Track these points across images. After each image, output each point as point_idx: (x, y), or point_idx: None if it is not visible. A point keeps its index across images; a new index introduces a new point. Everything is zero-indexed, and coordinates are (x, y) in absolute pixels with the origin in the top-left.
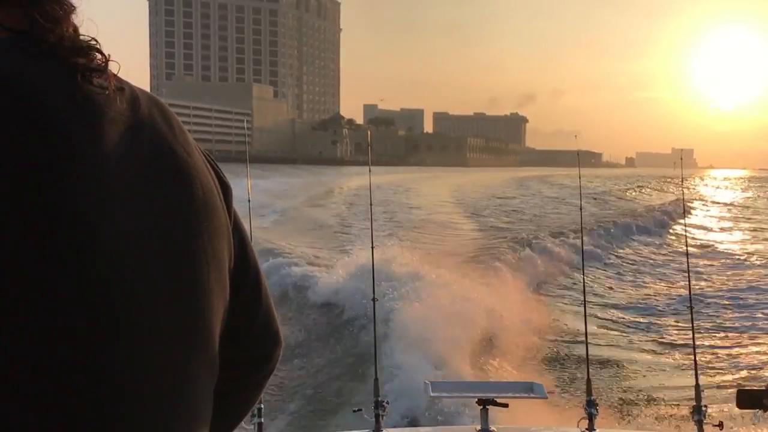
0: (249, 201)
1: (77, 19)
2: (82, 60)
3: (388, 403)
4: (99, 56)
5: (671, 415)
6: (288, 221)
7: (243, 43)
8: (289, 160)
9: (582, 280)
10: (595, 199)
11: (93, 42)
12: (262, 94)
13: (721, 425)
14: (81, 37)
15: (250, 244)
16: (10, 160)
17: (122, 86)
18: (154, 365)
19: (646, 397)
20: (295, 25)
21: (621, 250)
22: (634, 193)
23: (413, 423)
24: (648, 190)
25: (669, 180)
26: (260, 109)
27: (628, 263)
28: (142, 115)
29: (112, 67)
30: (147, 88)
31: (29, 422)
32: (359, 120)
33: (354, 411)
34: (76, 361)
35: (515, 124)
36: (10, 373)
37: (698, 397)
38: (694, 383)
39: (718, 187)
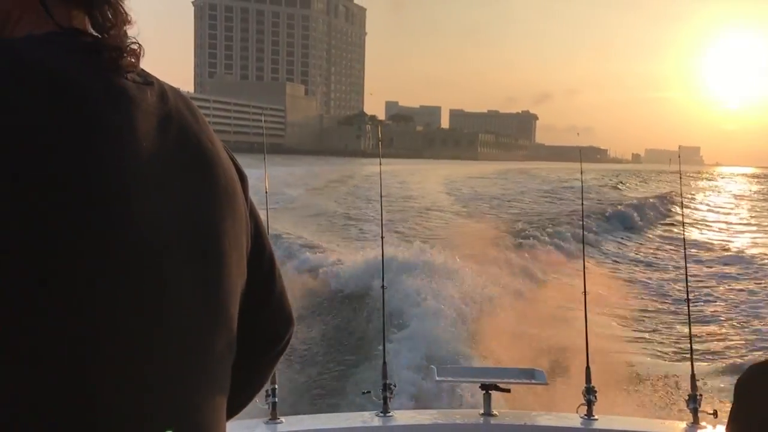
0: (266, 192)
1: (132, 26)
2: (118, 57)
3: (395, 386)
4: (133, 55)
5: (667, 404)
6: (305, 207)
7: (278, 45)
8: (317, 152)
9: (582, 268)
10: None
11: (132, 42)
12: (294, 92)
13: (715, 414)
14: (124, 38)
15: (265, 230)
16: (54, 145)
17: (151, 81)
18: (183, 342)
19: (643, 385)
20: (325, 29)
21: (615, 241)
22: (623, 187)
23: (419, 406)
24: (639, 183)
25: (665, 174)
26: (292, 106)
27: (621, 254)
28: (170, 107)
29: (151, 65)
30: (191, 85)
31: (64, 392)
32: (381, 116)
33: (363, 393)
34: (108, 335)
35: (526, 121)
36: (42, 343)
37: (694, 386)
38: (690, 373)
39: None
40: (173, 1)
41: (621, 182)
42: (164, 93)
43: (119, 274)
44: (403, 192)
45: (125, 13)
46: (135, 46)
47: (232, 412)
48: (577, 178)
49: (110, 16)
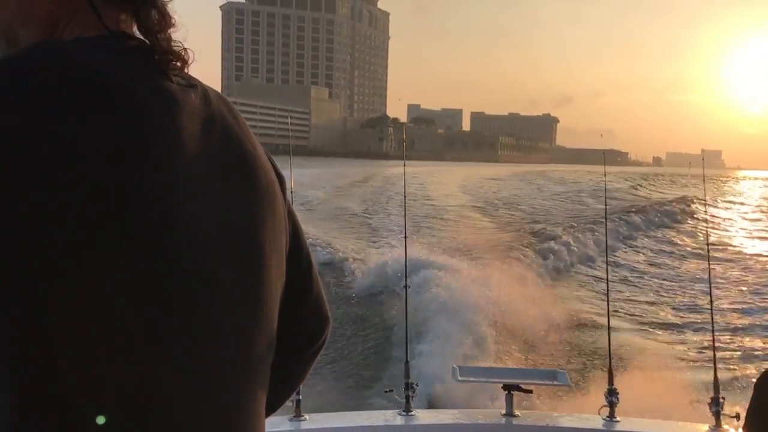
0: (292, 192)
1: (176, 29)
2: (164, 60)
3: (417, 385)
4: (178, 58)
5: (690, 406)
6: (329, 207)
7: (303, 49)
8: (340, 154)
9: (605, 270)
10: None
11: (177, 45)
12: (319, 95)
13: (738, 416)
14: (170, 41)
15: (302, 231)
16: (100, 146)
17: (195, 84)
18: (228, 342)
19: (665, 388)
20: (349, 33)
21: (637, 244)
22: (639, 189)
23: (441, 405)
24: (657, 185)
25: (686, 177)
26: (317, 109)
27: (644, 257)
28: (213, 109)
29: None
30: (218, 87)
31: (125, 386)
32: (403, 119)
33: (386, 392)
34: (145, 338)
35: (546, 124)
36: (72, 341)
37: (716, 388)
38: (712, 376)
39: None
40: (201, 6)
41: (639, 185)
42: (207, 95)
43: (160, 275)
44: (423, 192)
45: (170, 16)
46: (180, 49)
47: (268, 411)
48: (593, 180)
49: (156, 20)
